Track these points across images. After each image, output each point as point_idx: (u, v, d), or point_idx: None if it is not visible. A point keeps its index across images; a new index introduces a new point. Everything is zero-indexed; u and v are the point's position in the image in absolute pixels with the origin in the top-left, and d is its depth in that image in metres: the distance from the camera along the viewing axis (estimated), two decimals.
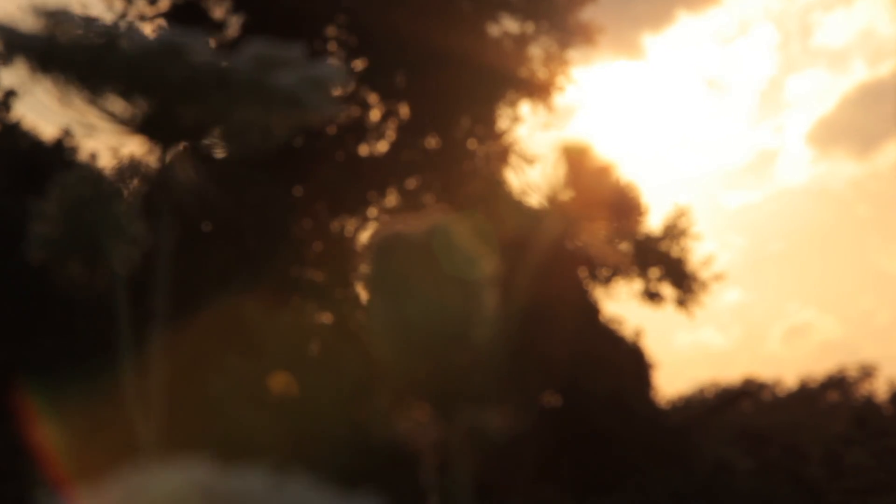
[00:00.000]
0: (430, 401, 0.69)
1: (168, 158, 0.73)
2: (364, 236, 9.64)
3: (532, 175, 0.71)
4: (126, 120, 0.72)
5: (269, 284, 7.80)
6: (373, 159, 9.29)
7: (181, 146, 0.73)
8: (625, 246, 0.71)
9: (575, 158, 0.69)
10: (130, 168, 0.74)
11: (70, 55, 0.68)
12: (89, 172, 0.77)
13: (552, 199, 0.70)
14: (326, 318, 8.32)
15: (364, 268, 0.70)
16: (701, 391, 11.79)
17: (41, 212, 0.76)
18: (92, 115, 0.71)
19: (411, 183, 9.38)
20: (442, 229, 0.69)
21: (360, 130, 9.09)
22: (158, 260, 0.73)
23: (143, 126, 0.72)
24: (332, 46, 9.12)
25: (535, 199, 0.71)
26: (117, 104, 0.72)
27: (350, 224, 9.29)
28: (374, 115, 9.35)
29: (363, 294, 0.72)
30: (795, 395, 12.70)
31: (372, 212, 9.36)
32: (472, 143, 9.46)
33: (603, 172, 0.69)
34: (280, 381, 7.31)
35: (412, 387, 0.70)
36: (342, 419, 6.52)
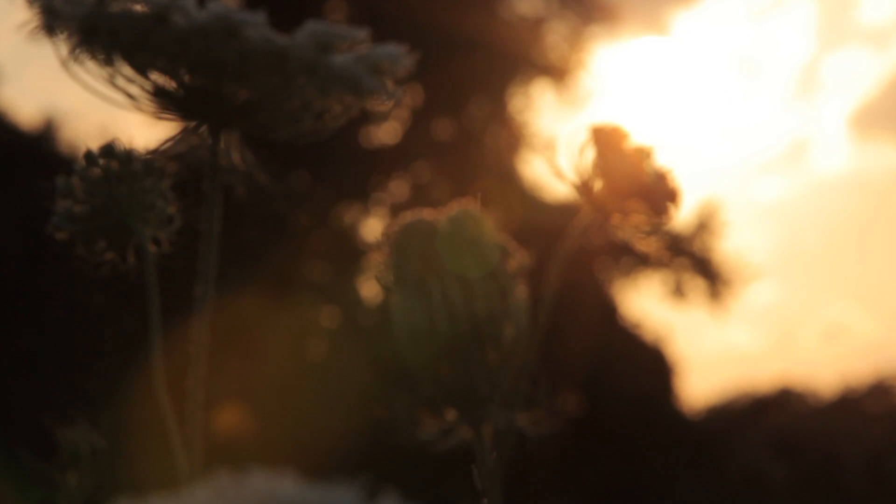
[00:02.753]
0: (456, 403, 0.69)
1: (217, 140, 0.72)
2: (371, 227, 9.64)
3: (558, 161, 0.71)
4: (174, 97, 0.71)
5: (268, 278, 7.81)
6: (381, 145, 9.29)
7: (230, 127, 0.72)
8: (658, 238, 0.71)
9: (606, 142, 0.69)
10: (168, 149, 0.73)
11: (117, 26, 0.68)
12: (118, 147, 0.75)
13: (582, 187, 0.70)
14: (330, 313, 8.33)
15: (382, 261, 0.70)
16: (734, 399, 11.75)
17: (67, 187, 0.75)
18: (137, 91, 0.71)
19: (422, 170, 9.38)
20: (465, 220, 0.69)
21: (368, 115, 9.10)
22: (201, 245, 0.72)
23: (191, 104, 0.72)
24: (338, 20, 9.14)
25: (563, 187, 0.71)
26: (165, 81, 0.71)
27: (355, 213, 9.29)
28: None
29: (380, 288, 0.72)
30: (835, 404, 12.65)
31: (382, 199, 9.36)
32: (485, 129, 9.45)
33: (637, 157, 0.68)
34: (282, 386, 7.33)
35: (437, 387, 0.70)
36: (358, 420, 6.53)
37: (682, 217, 10.19)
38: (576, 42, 9.92)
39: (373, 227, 9.34)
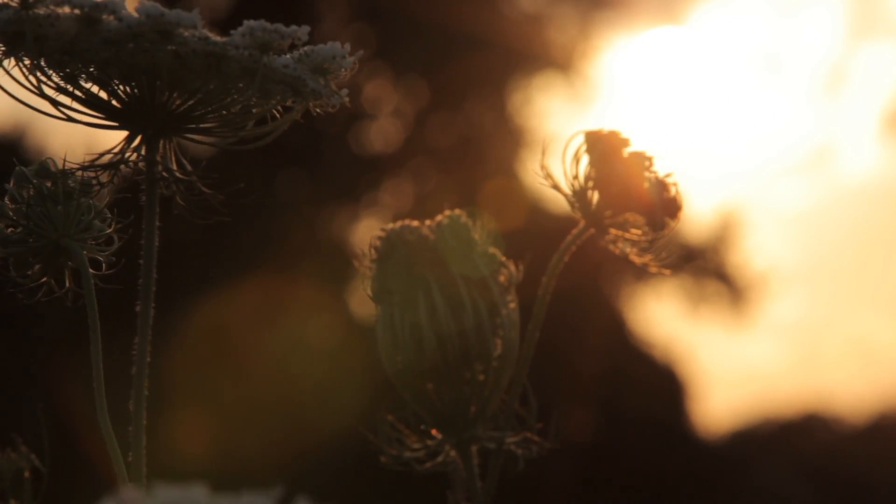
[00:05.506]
0: (442, 422, 0.70)
1: (153, 150, 0.72)
2: (362, 232, 9.63)
3: (558, 167, 0.72)
4: (107, 106, 0.71)
5: (252, 289, 7.82)
6: (383, 146, 9.30)
7: (168, 136, 0.72)
8: (657, 252, 0.71)
9: (603, 150, 0.70)
10: (105, 160, 0.72)
11: (44, 32, 0.68)
12: (52, 165, 0.74)
13: (576, 199, 0.71)
14: (319, 325, 8.34)
15: (369, 271, 0.71)
16: (757, 425, 11.72)
17: None
18: (68, 101, 0.70)
19: (424, 172, 9.39)
20: (454, 228, 0.70)
21: (362, 113, 9.09)
22: (141, 262, 0.73)
23: (125, 113, 0.71)
24: (333, 16, 9.14)
25: (562, 194, 0.71)
26: (97, 88, 0.71)
27: (350, 219, 9.30)
28: (375, 93, 9.36)
29: (369, 299, 0.73)
30: (865, 428, 12.61)
31: (383, 202, 9.36)
32: (489, 129, 9.46)
33: (636, 166, 0.69)
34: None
35: (422, 405, 0.71)
36: (341, 437, 6.55)
37: (698, 225, 10.14)
38: (584, 31, 9.91)
39: (364, 233, 9.34)
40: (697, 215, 9.60)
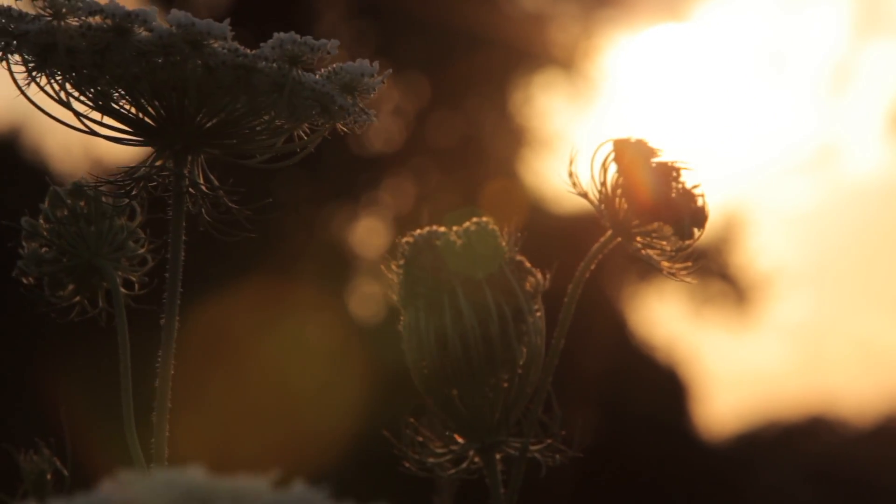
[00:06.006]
0: (464, 426, 0.71)
1: (181, 166, 0.72)
2: (362, 232, 9.63)
3: (578, 176, 0.72)
4: (136, 122, 0.71)
5: (250, 290, 7.83)
6: (375, 142, 9.30)
7: (196, 152, 0.72)
8: (683, 261, 0.72)
9: (631, 159, 0.70)
10: (134, 175, 0.71)
11: (76, 44, 0.68)
12: (86, 185, 0.75)
13: (604, 207, 0.71)
14: (318, 325, 8.35)
15: (394, 275, 0.72)
16: (762, 428, 11.71)
17: (33, 228, 0.75)
18: (98, 116, 0.71)
19: (426, 171, 9.38)
20: (480, 234, 0.71)
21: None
22: (167, 276, 0.72)
23: (154, 129, 0.72)
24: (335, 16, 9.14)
25: (589, 202, 0.72)
26: (126, 104, 0.71)
27: (344, 217, 9.29)
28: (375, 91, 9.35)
29: (396, 303, 0.73)
30: (872, 431, 12.59)
31: (378, 199, 9.36)
32: (491, 128, 9.46)
33: (664, 176, 0.70)
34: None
35: (446, 411, 0.71)
36: (341, 438, 6.57)
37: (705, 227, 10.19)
38: (586, 29, 9.90)
39: (373, 234, 9.34)
40: (711, 217, 9.56)
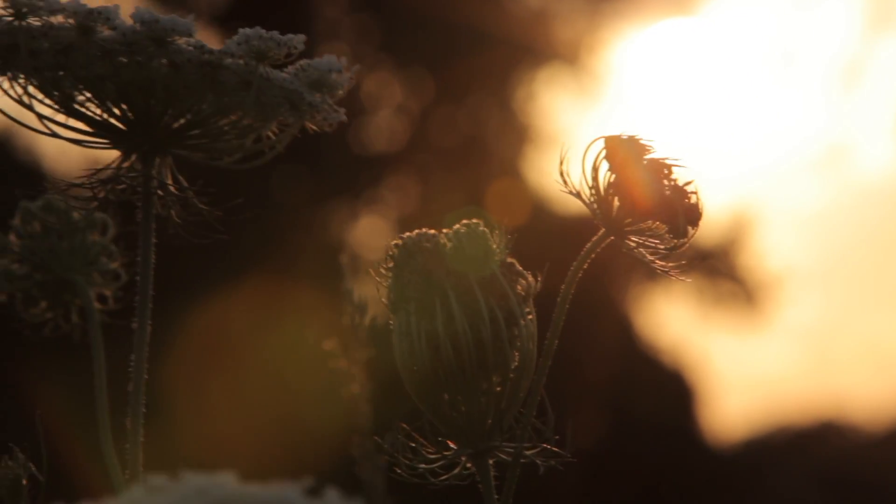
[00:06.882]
0: (457, 431, 0.71)
1: (149, 168, 0.71)
2: (363, 232, 9.64)
3: (571, 175, 0.72)
4: (102, 125, 0.71)
5: (249, 290, 7.84)
6: (377, 139, 9.29)
7: (163, 152, 0.72)
8: (676, 259, 0.71)
9: (624, 156, 0.70)
10: (101, 176, 0.70)
11: (38, 46, 0.67)
12: (57, 201, 0.75)
13: (596, 206, 0.71)
14: (317, 326, 8.34)
15: (384, 278, 0.72)
16: (771, 433, 11.69)
17: (3, 244, 0.75)
18: (62, 119, 0.70)
19: (421, 168, 9.38)
20: (472, 236, 0.70)
21: (363, 108, 9.09)
22: (138, 286, 0.72)
23: (120, 131, 0.71)
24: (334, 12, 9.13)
25: (582, 201, 0.71)
26: (91, 106, 0.70)
27: (344, 216, 9.29)
28: (377, 88, 9.36)
29: (387, 306, 0.73)
30: (884, 435, 12.57)
31: (379, 198, 9.35)
32: (494, 126, 9.46)
33: (657, 173, 0.69)
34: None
35: (438, 416, 0.71)
36: (341, 439, 6.57)
37: (709, 225, 10.13)
38: (591, 24, 9.90)
39: (375, 234, 9.33)
40: (708, 215, 9.55)
